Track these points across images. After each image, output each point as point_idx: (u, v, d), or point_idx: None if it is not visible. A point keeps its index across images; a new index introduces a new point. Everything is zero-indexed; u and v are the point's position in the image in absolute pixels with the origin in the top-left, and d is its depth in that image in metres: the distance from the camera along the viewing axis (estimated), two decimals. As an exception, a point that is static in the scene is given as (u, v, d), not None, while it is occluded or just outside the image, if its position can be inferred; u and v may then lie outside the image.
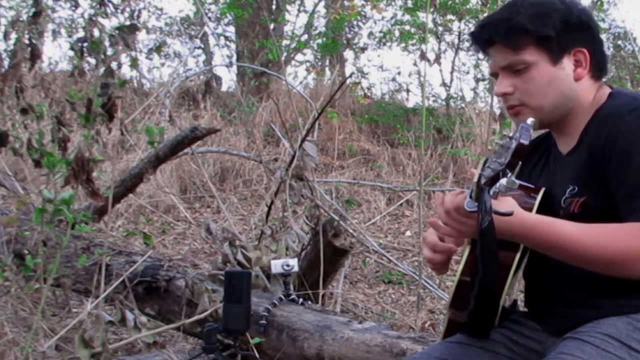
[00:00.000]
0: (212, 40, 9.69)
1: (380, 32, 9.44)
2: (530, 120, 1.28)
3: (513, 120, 1.62)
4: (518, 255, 1.52)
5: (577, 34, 1.54)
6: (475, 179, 1.37)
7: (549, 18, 1.52)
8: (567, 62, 1.54)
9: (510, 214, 1.37)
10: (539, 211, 1.52)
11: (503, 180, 1.28)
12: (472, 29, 1.64)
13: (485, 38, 1.57)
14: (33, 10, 3.02)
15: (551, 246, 1.44)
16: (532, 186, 1.58)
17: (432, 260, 1.60)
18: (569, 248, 1.42)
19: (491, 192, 1.32)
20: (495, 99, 5.40)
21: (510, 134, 1.28)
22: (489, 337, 1.57)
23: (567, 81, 1.54)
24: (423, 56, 4.51)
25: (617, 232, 1.41)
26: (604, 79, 1.61)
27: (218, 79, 7.85)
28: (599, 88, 1.58)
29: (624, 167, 1.44)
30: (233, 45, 9.72)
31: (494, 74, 1.59)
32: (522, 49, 1.52)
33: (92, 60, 2.90)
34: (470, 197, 1.39)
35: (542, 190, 1.57)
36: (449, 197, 1.45)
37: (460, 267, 1.54)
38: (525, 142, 1.24)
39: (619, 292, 1.46)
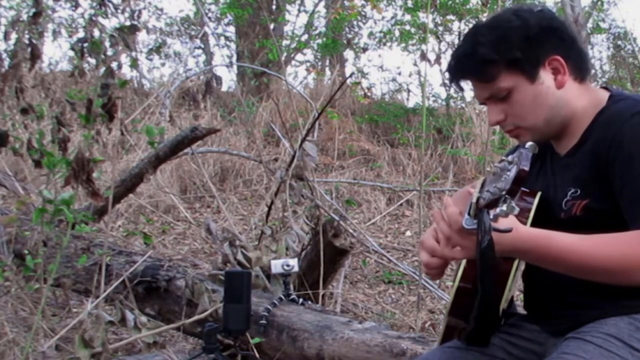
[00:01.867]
0: (212, 40, 9.71)
1: (381, 32, 9.45)
2: (529, 145, 1.27)
3: (517, 140, 1.60)
4: (516, 262, 1.51)
5: (543, 44, 1.51)
6: (474, 200, 1.35)
7: (509, 41, 1.49)
8: (545, 75, 1.52)
9: (509, 231, 1.36)
10: (536, 215, 1.52)
11: (503, 207, 1.26)
12: (446, 67, 1.62)
13: (457, 80, 1.58)
14: (33, 10, 3.02)
15: (552, 260, 1.42)
16: (527, 190, 1.57)
17: (430, 264, 1.57)
18: (570, 260, 1.41)
19: (491, 216, 1.31)
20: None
21: (510, 159, 1.27)
22: (488, 345, 1.55)
23: (551, 93, 1.52)
24: (423, 56, 4.50)
25: (618, 241, 1.40)
26: (599, 81, 1.61)
27: (218, 79, 7.84)
28: (591, 90, 1.57)
29: (627, 172, 1.43)
30: (233, 45, 9.74)
31: (483, 103, 1.59)
32: (495, 79, 1.51)
33: (93, 61, 2.90)
34: (469, 214, 1.37)
35: (539, 194, 1.56)
36: (451, 215, 1.42)
37: (459, 273, 1.53)
38: (526, 168, 1.23)
39: (620, 293, 1.45)
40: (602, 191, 1.47)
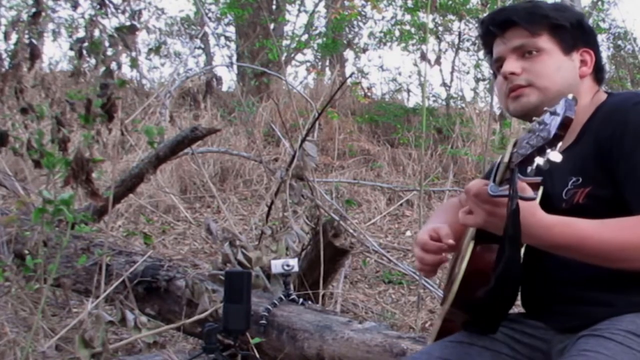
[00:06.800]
0: (212, 40, 9.71)
1: (381, 32, 9.45)
2: (571, 95, 1.22)
3: (511, 105, 1.62)
4: (522, 252, 1.50)
5: (587, 36, 1.64)
6: (506, 159, 1.31)
7: (566, 12, 1.63)
8: (576, 58, 1.62)
9: (534, 199, 1.35)
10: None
11: (549, 155, 1.19)
12: (488, 14, 1.70)
13: (502, 19, 1.63)
14: (33, 10, 3.02)
15: (570, 246, 1.41)
16: (535, 180, 1.54)
17: (423, 260, 1.60)
18: (588, 246, 1.40)
19: (535, 166, 1.22)
20: (495, 99, 5.41)
21: (552, 110, 1.21)
22: (496, 333, 1.53)
23: (574, 73, 1.61)
24: (423, 57, 4.50)
25: (635, 225, 1.39)
26: (602, 87, 1.67)
27: (218, 79, 7.84)
28: (597, 91, 1.64)
29: (631, 159, 1.45)
30: (233, 45, 9.74)
31: (500, 59, 1.63)
32: (538, 34, 1.59)
33: (92, 61, 2.90)
34: (494, 181, 1.33)
35: (542, 187, 1.56)
36: (472, 183, 1.40)
37: (464, 264, 1.50)
38: (572, 115, 1.18)
39: (631, 288, 1.46)
40: (605, 178, 1.48)
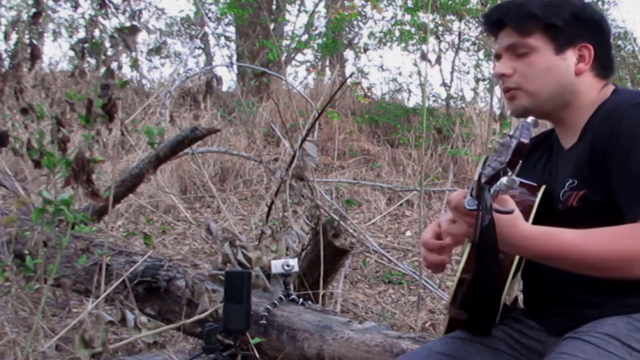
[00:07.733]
0: (212, 40, 9.71)
1: (381, 32, 9.44)
2: (530, 119, 1.27)
3: (508, 105, 1.63)
4: (517, 258, 1.51)
5: (586, 30, 1.56)
6: (476, 177, 1.35)
7: (559, 9, 1.55)
8: (571, 55, 1.55)
9: (511, 212, 1.35)
10: (539, 208, 1.52)
11: (503, 179, 1.26)
12: (487, 12, 1.67)
13: (495, 19, 1.60)
14: (33, 10, 3.02)
15: (550, 257, 1.42)
16: (534, 184, 1.56)
17: (427, 258, 1.61)
18: (569, 256, 1.40)
19: (492, 191, 1.30)
20: (495, 99, 5.41)
21: (511, 133, 1.27)
22: (490, 335, 1.56)
23: (567, 73, 1.55)
24: (423, 56, 4.50)
25: (617, 235, 1.39)
26: (610, 79, 1.61)
27: (218, 79, 7.85)
28: (603, 86, 1.59)
29: (624, 165, 1.43)
30: (233, 45, 9.74)
31: (497, 56, 1.62)
32: (528, 34, 1.55)
33: (93, 61, 2.90)
34: (471, 195, 1.36)
35: (543, 188, 1.56)
36: (453, 195, 1.42)
37: (461, 265, 1.52)
38: (526, 140, 1.23)
39: (619, 291, 1.45)
40: (600, 182, 1.47)
